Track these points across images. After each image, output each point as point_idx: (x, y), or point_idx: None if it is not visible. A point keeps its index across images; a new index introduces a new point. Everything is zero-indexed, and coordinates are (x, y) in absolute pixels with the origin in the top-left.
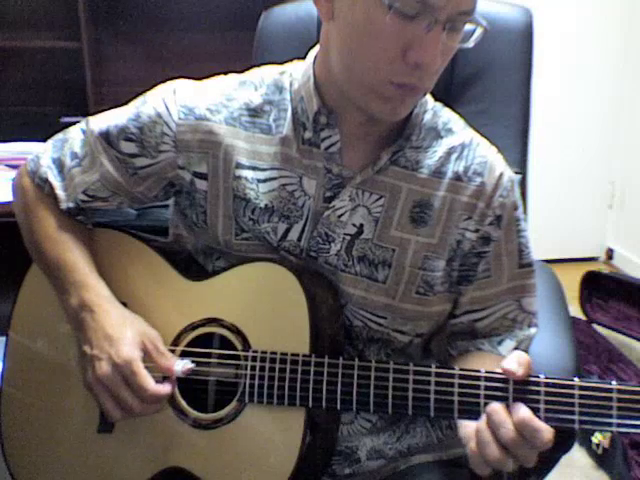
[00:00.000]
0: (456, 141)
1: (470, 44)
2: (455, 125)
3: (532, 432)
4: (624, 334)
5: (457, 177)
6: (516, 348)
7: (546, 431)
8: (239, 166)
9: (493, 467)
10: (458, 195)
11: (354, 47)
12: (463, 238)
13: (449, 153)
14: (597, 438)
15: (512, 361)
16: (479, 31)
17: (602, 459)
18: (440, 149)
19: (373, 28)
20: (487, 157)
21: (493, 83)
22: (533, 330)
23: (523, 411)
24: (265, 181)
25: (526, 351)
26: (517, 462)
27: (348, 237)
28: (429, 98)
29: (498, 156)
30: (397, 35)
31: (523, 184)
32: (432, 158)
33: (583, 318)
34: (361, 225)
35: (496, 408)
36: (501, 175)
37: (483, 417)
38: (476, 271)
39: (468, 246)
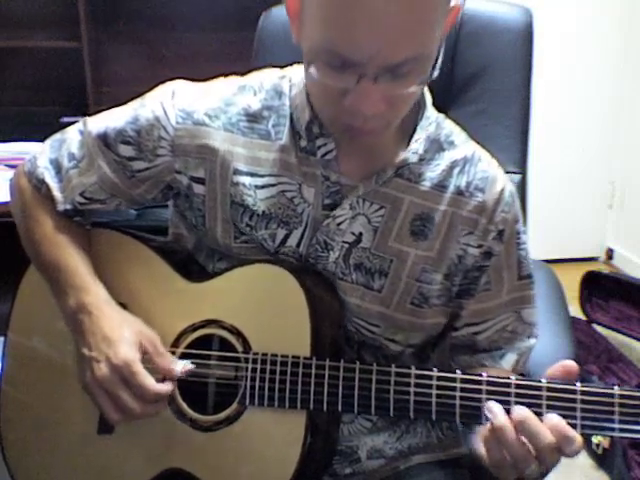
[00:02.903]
0: (458, 155)
1: (410, 90)
2: (457, 138)
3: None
4: (624, 334)
5: (459, 192)
6: (517, 360)
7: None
8: (237, 172)
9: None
10: (459, 210)
11: (307, 83)
12: (465, 253)
13: (452, 167)
14: (597, 438)
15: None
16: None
17: (602, 459)
18: (443, 162)
19: (311, 74)
20: (488, 172)
21: (493, 83)
22: (533, 341)
23: (557, 419)
24: (263, 187)
25: (526, 362)
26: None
27: (346, 245)
28: (431, 109)
29: (499, 170)
30: (330, 83)
31: (523, 184)
32: (435, 171)
33: (583, 318)
34: (360, 234)
35: (527, 416)
36: (502, 190)
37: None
38: (477, 285)
39: (471, 261)
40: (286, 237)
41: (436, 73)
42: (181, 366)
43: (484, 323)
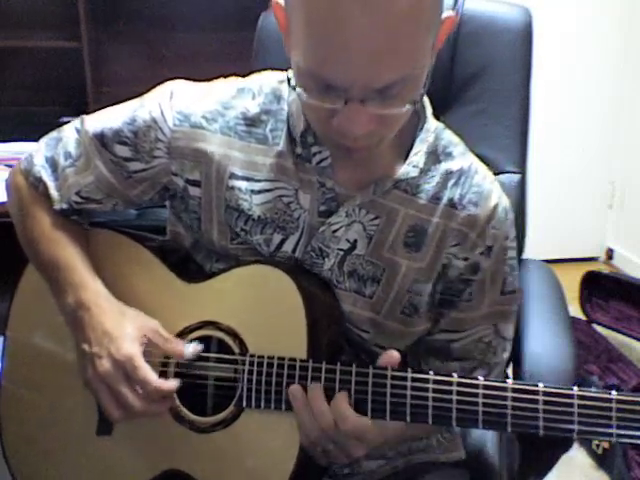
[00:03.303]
0: (454, 166)
1: (402, 111)
2: (455, 149)
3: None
4: (624, 334)
5: (452, 204)
6: (486, 377)
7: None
8: (233, 176)
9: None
10: (450, 222)
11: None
12: (450, 264)
13: (446, 179)
14: None
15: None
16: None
17: (602, 459)
18: (437, 174)
19: (299, 94)
20: (483, 187)
21: (493, 83)
22: (505, 356)
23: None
24: (259, 192)
25: (498, 377)
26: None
27: (341, 252)
28: (431, 120)
29: (495, 185)
30: (318, 104)
31: (523, 184)
32: (430, 183)
33: (583, 318)
34: (355, 241)
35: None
36: (496, 206)
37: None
38: (461, 297)
39: (455, 273)
40: (282, 242)
41: (424, 89)
42: (192, 347)
43: (461, 332)
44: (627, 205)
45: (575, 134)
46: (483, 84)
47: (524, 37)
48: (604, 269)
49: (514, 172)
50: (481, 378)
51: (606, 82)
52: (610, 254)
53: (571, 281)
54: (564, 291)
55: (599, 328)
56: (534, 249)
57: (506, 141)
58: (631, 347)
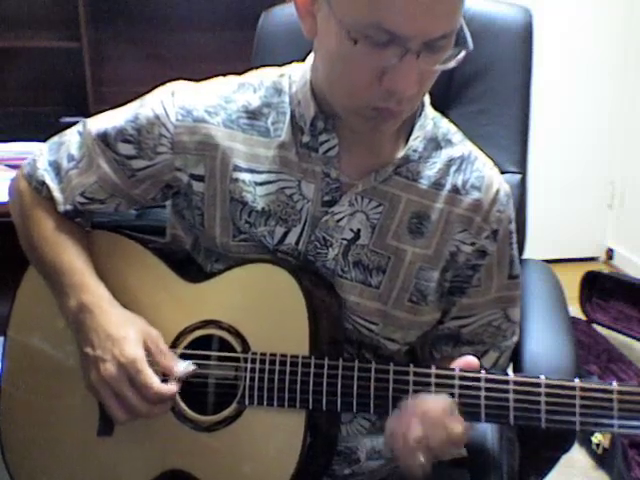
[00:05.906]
0: (455, 153)
1: (450, 65)
2: (454, 137)
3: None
4: (624, 334)
5: (455, 190)
6: (498, 358)
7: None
8: (236, 169)
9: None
10: (455, 207)
11: (332, 72)
12: (458, 250)
13: (448, 165)
14: (597, 438)
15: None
16: (462, 52)
17: (602, 459)
18: (439, 160)
19: (347, 56)
20: (484, 172)
21: (493, 83)
22: (515, 339)
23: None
24: (262, 184)
25: (506, 361)
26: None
27: (345, 242)
28: (429, 108)
29: (494, 171)
30: (371, 62)
31: (523, 184)
32: (432, 169)
33: (583, 318)
34: (358, 230)
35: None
36: (498, 191)
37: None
38: (470, 283)
39: (463, 259)
40: (285, 235)
41: (471, 46)
42: (183, 367)
43: (470, 317)
44: (627, 205)
45: (575, 134)
46: (483, 84)
47: (524, 37)
48: (604, 269)
49: (514, 172)
50: (483, 372)
51: (606, 82)
52: (610, 254)
53: (571, 281)
54: (564, 291)
55: (599, 328)
56: (534, 249)
57: (506, 141)
58: (631, 347)
